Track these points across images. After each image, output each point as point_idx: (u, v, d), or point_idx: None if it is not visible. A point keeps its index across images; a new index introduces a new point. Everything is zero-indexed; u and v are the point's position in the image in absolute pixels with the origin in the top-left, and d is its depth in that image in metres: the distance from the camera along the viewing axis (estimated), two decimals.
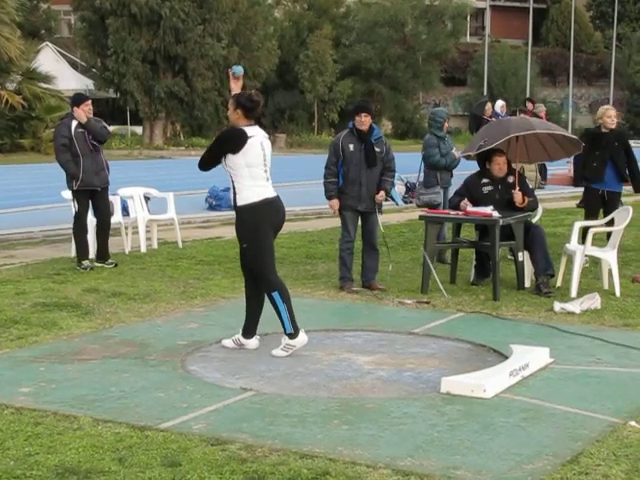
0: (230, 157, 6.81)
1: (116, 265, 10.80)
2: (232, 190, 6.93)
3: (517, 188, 9.61)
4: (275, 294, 6.94)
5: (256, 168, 6.84)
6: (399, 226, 14.12)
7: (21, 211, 16.56)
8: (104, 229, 10.98)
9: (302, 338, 7.00)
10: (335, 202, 9.40)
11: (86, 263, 10.74)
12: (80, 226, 10.87)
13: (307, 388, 6.21)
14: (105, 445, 4.99)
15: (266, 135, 7.07)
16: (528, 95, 46.03)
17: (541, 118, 17.51)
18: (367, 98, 39.57)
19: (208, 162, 6.99)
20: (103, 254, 10.94)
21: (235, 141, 6.80)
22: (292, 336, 6.96)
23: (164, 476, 4.56)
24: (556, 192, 20.30)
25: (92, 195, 10.89)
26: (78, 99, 11.02)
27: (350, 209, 9.42)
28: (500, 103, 20.18)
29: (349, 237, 9.53)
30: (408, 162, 16.77)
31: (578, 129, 39.61)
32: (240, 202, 6.88)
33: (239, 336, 7.23)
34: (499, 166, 9.70)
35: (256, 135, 6.88)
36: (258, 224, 6.88)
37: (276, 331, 7.30)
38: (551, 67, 56.91)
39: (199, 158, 7.05)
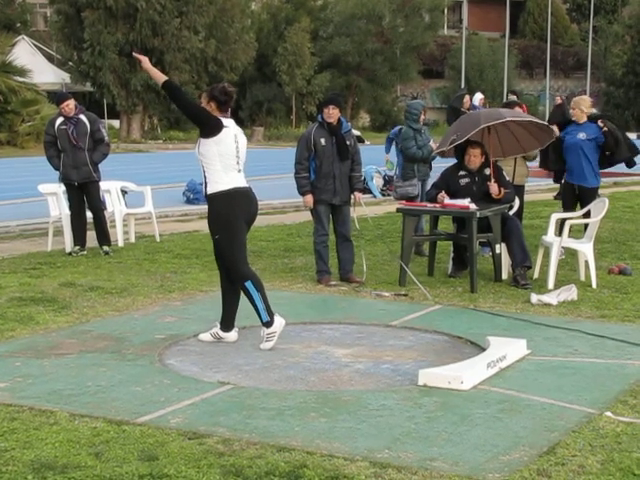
0: (204, 144, 6.84)
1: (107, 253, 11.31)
2: (203, 181, 6.97)
3: (493, 180, 9.64)
4: (248, 283, 6.93)
5: (228, 159, 6.87)
6: (377, 219, 14.12)
7: None
8: (94, 220, 11.50)
9: (279, 322, 7.01)
10: (310, 197, 9.40)
11: (72, 249, 11.36)
12: (71, 215, 11.50)
13: (285, 381, 6.21)
14: (82, 440, 4.97)
15: (240, 130, 7.10)
16: (506, 88, 46.22)
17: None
18: (338, 91, 39.59)
19: (181, 104, 6.91)
20: (101, 240, 11.45)
21: (213, 124, 6.82)
22: (269, 324, 6.96)
23: (141, 470, 4.54)
24: (533, 184, 20.38)
25: (84, 188, 11.39)
26: (59, 98, 11.70)
27: (324, 203, 9.43)
28: (479, 96, 20.20)
29: (323, 231, 9.54)
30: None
31: None
32: (210, 190, 6.90)
33: (217, 329, 7.22)
34: (473, 158, 9.71)
35: (230, 127, 6.94)
36: (229, 213, 6.88)
37: (253, 324, 7.30)
38: (528, 59, 57.16)
39: (178, 90, 7.01)
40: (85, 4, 38.37)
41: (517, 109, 11.53)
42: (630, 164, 10.78)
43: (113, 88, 39.73)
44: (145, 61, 7.03)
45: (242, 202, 6.97)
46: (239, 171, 6.98)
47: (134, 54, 7.38)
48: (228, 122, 6.94)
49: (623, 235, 12.84)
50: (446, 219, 10.97)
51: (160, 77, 6.92)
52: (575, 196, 10.58)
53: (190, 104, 7.03)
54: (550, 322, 7.79)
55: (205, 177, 6.93)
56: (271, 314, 6.97)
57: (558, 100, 25.67)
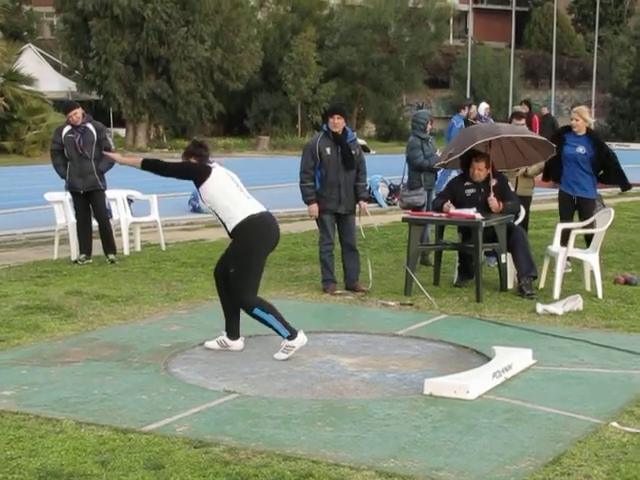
0: (204, 190, 6.95)
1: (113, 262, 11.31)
2: (222, 224, 7.03)
3: (492, 194, 9.60)
4: (256, 311, 6.94)
5: (231, 191, 6.98)
6: (382, 228, 14.12)
7: (4, 213, 16.47)
8: (100, 229, 11.52)
9: (301, 338, 7.00)
10: (315, 207, 9.42)
11: (78, 257, 11.35)
12: (77, 223, 11.52)
13: (291, 390, 6.21)
14: (88, 448, 4.97)
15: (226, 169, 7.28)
16: (511, 98, 46.22)
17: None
18: (342, 101, 39.60)
19: (166, 172, 7.14)
20: (106, 249, 11.47)
21: (200, 170, 6.98)
22: (291, 337, 6.96)
23: (147, 479, 4.55)
24: (539, 195, 20.35)
25: (89, 197, 11.43)
26: (66, 107, 11.82)
27: (329, 212, 9.44)
28: (484, 106, 20.23)
29: (329, 240, 9.55)
30: (392, 164, 16.77)
31: None
32: (230, 227, 6.96)
33: (224, 337, 7.23)
34: (478, 171, 9.72)
35: (216, 166, 7.10)
36: (249, 242, 6.91)
37: (259, 333, 7.31)
38: (533, 70, 57.10)
39: (157, 163, 7.26)
40: (92, 13, 38.47)
41: (515, 122, 11.54)
42: (624, 188, 10.83)
43: (119, 97, 39.82)
44: (118, 158, 7.64)
45: (261, 227, 7.00)
46: (248, 198, 7.06)
47: (105, 154, 8.24)
48: (213, 164, 7.10)
49: (629, 245, 12.83)
50: (451, 229, 10.97)
51: (137, 161, 7.28)
52: (573, 207, 10.47)
53: (174, 166, 7.29)
54: (556, 332, 7.78)
55: (221, 219, 7.00)
56: (292, 330, 6.96)
57: (545, 111, 26.08)
